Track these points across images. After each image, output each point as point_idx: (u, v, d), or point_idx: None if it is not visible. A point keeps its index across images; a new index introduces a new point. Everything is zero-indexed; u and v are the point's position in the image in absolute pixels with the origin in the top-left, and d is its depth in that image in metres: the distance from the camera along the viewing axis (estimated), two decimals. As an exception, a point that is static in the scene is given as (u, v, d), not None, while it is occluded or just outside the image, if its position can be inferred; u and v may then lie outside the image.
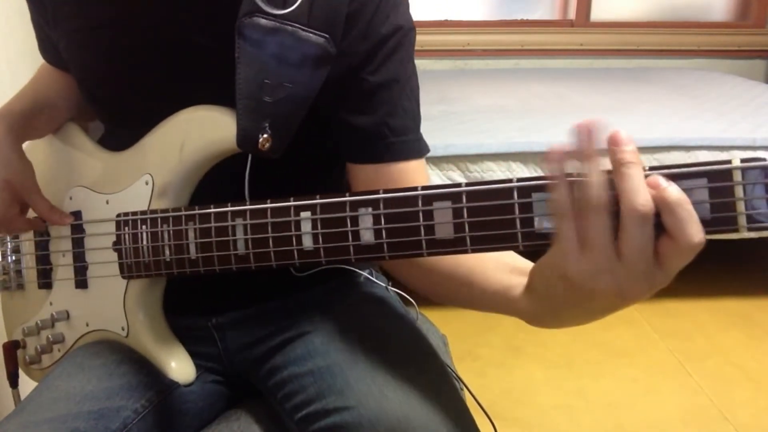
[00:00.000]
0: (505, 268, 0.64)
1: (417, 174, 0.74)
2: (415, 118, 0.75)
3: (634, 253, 0.45)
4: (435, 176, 2.03)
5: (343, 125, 0.73)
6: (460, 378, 0.92)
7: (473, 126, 2.22)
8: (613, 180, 0.45)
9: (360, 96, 0.71)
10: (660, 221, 0.44)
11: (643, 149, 2.05)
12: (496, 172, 2.03)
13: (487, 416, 0.88)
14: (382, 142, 0.72)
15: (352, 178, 0.76)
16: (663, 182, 0.44)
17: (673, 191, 0.43)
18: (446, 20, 3.50)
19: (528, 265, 0.62)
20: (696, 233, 0.43)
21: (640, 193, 0.44)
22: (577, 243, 0.47)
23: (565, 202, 0.47)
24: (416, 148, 0.75)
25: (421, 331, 0.82)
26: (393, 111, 0.72)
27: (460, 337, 2.04)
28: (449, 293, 0.70)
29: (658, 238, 0.45)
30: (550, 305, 0.56)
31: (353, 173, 0.76)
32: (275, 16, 0.65)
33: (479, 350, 2.03)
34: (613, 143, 0.45)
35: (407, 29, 0.73)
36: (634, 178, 0.44)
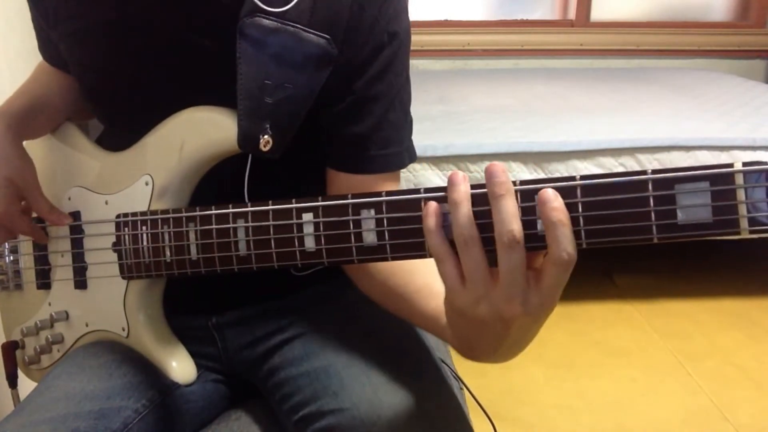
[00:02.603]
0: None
1: (390, 184, 0.76)
2: (401, 129, 0.76)
3: (506, 276, 0.48)
4: (435, 176, 2.03)
5: (331, 131, 0.74)
6: (460, 378, 0.91)
7: (473, 126, 2.22)
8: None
9: (352, 105, 0.72)
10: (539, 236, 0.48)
11: (643, 149, 2.06)
12: (496, 172, 2.03)
13: (487, 416, 0.88)
14: (365, 154, 0.73)
15: (329, 182, 0.77)
16: (551, 199, 0.47)
17: (556, 214, 0.46)
18: (446, 20, 3.50)
19: None
20: (568, 251, 0.46)
21: (506, 224, 0.47)
22: (458, 278, 0.51)
23: (438, 245, 0.51)
24: (395, 162, 0.75)
25: (418, 331, 0.82)
26: (379, 124, 0.73)
27: (460, 337, 2.04)
28: (399, 308, 0.72)
29: (535, 255, 0.49)
30: (461, 338, 0.58)
31: (331, 178, 0.76)
32: (276, 15, 0.65)
33: (479, 350, 2.03)
34: (488, 176, 0.49)
35: (404, 37, 0.73)
36: (502, 211, 0.48)
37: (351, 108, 0.72)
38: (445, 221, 0.51)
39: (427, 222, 0.51)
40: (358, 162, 0.74)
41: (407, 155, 0.77)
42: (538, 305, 0.49)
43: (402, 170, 0.78)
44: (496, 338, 0.53)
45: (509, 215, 0.47)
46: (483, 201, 0.50)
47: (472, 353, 0.58)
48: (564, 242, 0.46)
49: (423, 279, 0.68)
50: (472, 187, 0.50)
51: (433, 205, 0.51)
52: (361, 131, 0.72)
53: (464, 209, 0.49)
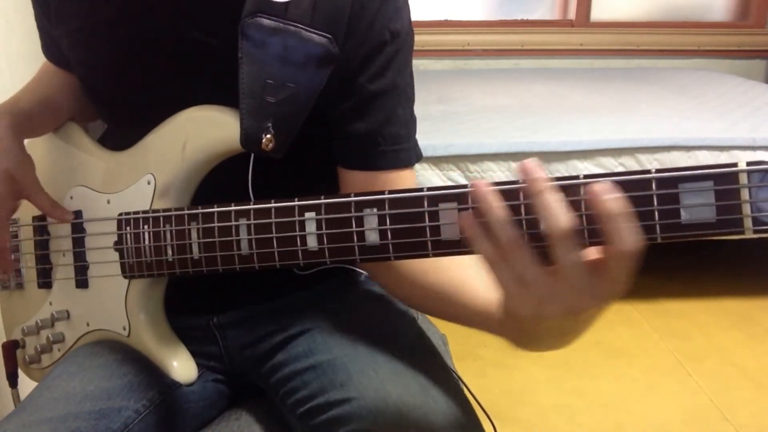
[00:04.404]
0: (491, 287, 0.64)
1: (403, 183, 0.75)
2: (409, 126, 0.76)
3: (567, 269, 0.46)
4: (435, 176, 2.03)
5: (338, 130, 0.74)
6: (460, 378, 0.91)
7: (473, 126, 2.22)
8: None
9: (357, 102, 0.72)
10: (597, 230, 0.46)
11: (643, 149, 2.06)
12: (496, 172, 2.03)
13: (487, 416, 0.88)
14: (376, 150, 0.73)
15: (342, 182, 0.77)
16: (602, 192, 0.44)
17: (610, 205, 0.44)
18: (446, 20, 3.50)
19: None
20: (630, 241, 0.44)
21: (555, 216, 0.45)
22: (514, 283, 0.49)
23: (487, 252, 0.49)
24: (407, 157, 0.75)
25: (421, 328, 0.82)
26: (388, 119, 0.73)
27: (460, 337, 2.03)
28: (437, 308, 0.71)
29: (597, 247, 0.47)
30: (519, 335, 0.58)
31: (343, 178, 0.76)
32: (277, 14, 0.65)
33: (479, 350, 2.03)
34: (523, 174, 0.47)
35: (405, 34, 0.73)
36: (548, 205, 0.46)
37: (358, 105, 0.72)
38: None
39: (469, 234, 0.49)
40: (369, 158, 0.74)
41: (415, 153, 0.77)
42: (607, 293, 0.48)
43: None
44: (563, 332, 0.54)
45: (558, 207, 0.46)
46: (514, 197, 0.49)
47: (531, 347, 0.58)
48: (623, 234, 0.44)
49: (458, 274, 0.67)
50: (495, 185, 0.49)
51: (467, 216, 0.49)
52: (370, 127, 0.72)
53: (499, 214, 0.47)
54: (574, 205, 0.47)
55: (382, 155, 0.73)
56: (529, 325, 0.53)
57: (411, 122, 0.76)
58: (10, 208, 0.77)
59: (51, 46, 0.84)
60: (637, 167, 2.06)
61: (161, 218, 0.68)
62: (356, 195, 0.56)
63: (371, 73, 0.71)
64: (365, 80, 0.71)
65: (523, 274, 0.48)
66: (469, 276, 0.67)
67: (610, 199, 0.44)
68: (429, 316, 1.06)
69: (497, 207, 0.47)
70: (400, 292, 0.76)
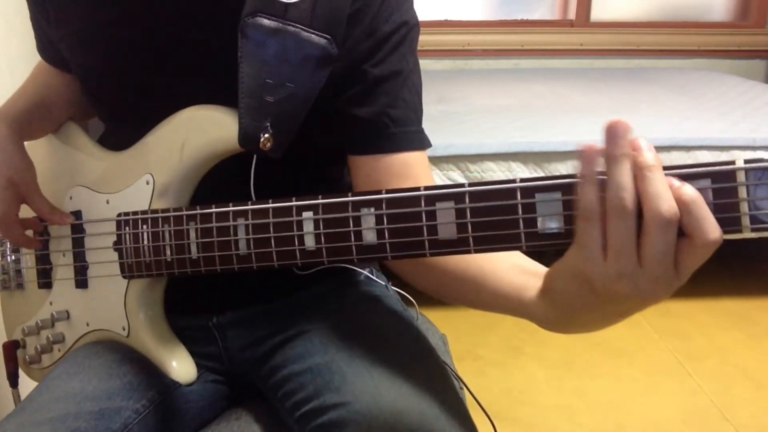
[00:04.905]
0: (516, 269, 0.63)
1: (419, 167, 0.74)
2: (416, 111, 0.75)
3: (655, 258, 0.44)
4: (435, 176, 2.03)
5: (344, 117, 0.73)
6: (459, 377, 0.91)
7: (473, 126, 2.22)
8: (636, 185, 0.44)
9: (361, 87, 0.72)
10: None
11: (643, 149, 2.05)
12: (496, 172, 2.03)
13: (487, 416, 0.88)
14: (383, 132, 0.72)
15: (354, 172, 0.76)
16: (676, 182, 0.43)
17: (688, 190, 0.43)
18: (446, 20, 3.50)
19: (538, 266, 0.62)
20: (712, 231, 0.43)
21: (664, 198, 0.43)
22: (600, 246, 0.46)
23: (592, 203, 0.46)
24: (417, 139, 0.74)
25: (419, 329, 0.82)
26: (394, 102, 0.72)
27: (460, 337, 2.04)
28: (458, 294, 0.69)
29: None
30: (565, 310, 0.55)
31: (355, 166, 0.75)
32: (277, 14, 0.65)
33: (479, 350, 2.03)
34: (634, 148, 0.44)
35: (411, 25, 0.73)
36: (658, 183, 0.43)
37: (363, 90, 0.71)
38: None
39: (586, 170, 0.46)
40: (378, 141, 0.73)
41: (427, 138, 0.76)
42: (676, 286, 0.46)
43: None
44: (614, 315, 0.51)
45: (665, 188, 0.43)
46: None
47: (564, 327, 0.57)
48: (704, 225, 0.42)
49: (479, 259, 0.66)
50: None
51: (593, 148, 0.46)
52: (376, 110, 0.72)
53: (627, 168, 0.44)
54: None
55: (392, 137, 0.72)
56: (583, 300, 0.51)
57: (418, 109, 0.76)
58: (16, 213, 0.77)
59: (47, 46, 0.84)
60: (637, 167, 2.06)
61: (160, 218, 0.68)
62: (353, 194, 0.56)
63: (375, 60, 0.71)
64: (369, 66, 0.71)
65: (615, 242, 0.45)
66: (490, 261, 0.65)
67: (688, 188, 0.43)
68: (429, 317, 1.06)
69: (630, 158, 0.44)
70: (421, 281, 0.73)
